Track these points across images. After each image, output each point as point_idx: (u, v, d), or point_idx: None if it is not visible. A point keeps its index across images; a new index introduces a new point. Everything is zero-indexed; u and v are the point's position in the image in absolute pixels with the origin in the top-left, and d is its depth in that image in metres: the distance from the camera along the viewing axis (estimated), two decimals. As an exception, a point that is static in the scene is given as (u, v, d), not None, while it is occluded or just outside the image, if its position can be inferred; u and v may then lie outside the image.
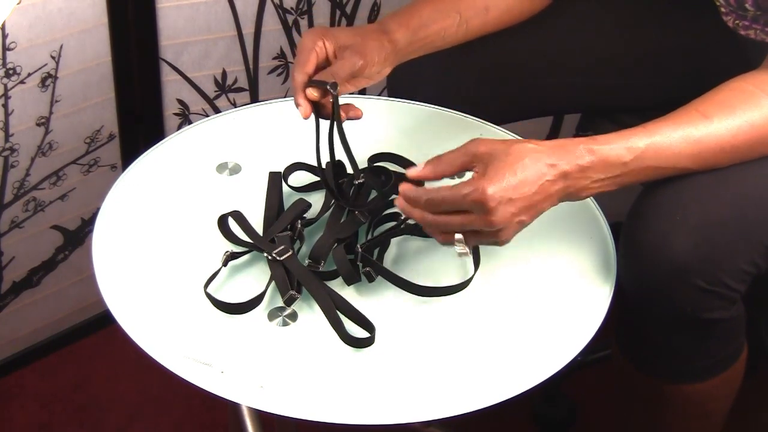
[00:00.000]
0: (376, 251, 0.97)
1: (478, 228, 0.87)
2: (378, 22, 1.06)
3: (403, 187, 0.89)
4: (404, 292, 0.94)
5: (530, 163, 0.86)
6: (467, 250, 0.89)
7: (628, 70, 1.21)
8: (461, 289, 0.94)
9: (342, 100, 0.99)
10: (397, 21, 1.05)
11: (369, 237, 0.97)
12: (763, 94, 0.90)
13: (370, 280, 0.93)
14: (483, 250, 0.97)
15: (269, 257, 0.93)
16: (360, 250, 0.93)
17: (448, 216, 0.87)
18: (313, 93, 0.96)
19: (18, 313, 1.46)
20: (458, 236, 0.88)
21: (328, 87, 0.96)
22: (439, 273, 0.96)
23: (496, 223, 0.85)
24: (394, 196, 1.01)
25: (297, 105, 0.97)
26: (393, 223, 1.00)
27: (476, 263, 0.96)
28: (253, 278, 0.94)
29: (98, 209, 1.01)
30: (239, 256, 0.96)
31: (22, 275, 1.43)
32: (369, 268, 0.93)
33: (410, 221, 0.97)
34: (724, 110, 0.90)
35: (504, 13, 1.12)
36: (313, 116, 0.98)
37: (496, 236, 0.87)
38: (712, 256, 0.90)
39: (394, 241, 0.99)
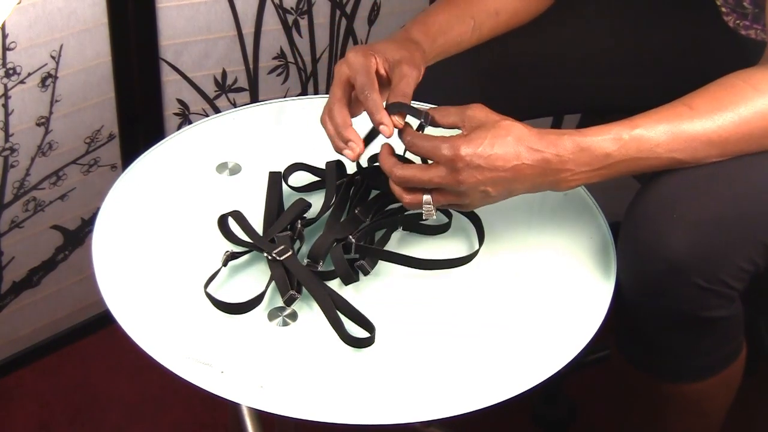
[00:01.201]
0: (376, 242, 0.97)
1: (444, 184, 0.89)
2: (404, 30, 1.05)
3: (384, 158, 0.92)
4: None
5: (512, 141, 0.88)
6: (434, 210, 0.91)
7: (629, 71, 1.21)
8: (465, 263, 0.95)
9: None
10: (420, 30, 1.05)
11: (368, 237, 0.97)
12: (750, 88, 0.90)
13: (365, 273, 0.93)
14: (483, 245, 0.97)
15: (269, 257, 0.93)
16: (353, 240, 0.94)
17: (419, 171, 0.89)
18: (399, 121, 0.93)
19: (18, 313, 1.46)
20: (426, 197, 0.90)
21: (422, 120, 0.93)
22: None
23: (461, 183, 0.88)
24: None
25: (380, 124, 0.93)
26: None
27: (480, 240, 0.97)
28: (253, 278, 0.94)
29: (98, 209, 1.01)
30: (239, 256, 0.96)
31: (22, 275, 1.43)
32: (363, 260, 0.93)
33: (408, 212, 0.98)
34: (712, 103, 0.90)
35: (512, 16, 1.13)
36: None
37: (460, 198, 0.90)
38: (710, 254, 0.90)
39: (392, 238, 0.99)
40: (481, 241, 0.98)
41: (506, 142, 0.88)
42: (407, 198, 0.91)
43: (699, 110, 0.90)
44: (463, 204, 0.91)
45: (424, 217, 0.92)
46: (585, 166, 0.89)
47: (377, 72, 0.96)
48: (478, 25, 1.09)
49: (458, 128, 0.92)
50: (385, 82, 0.98)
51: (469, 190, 0.89)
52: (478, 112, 0.91)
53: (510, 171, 0.88)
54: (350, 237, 0.94)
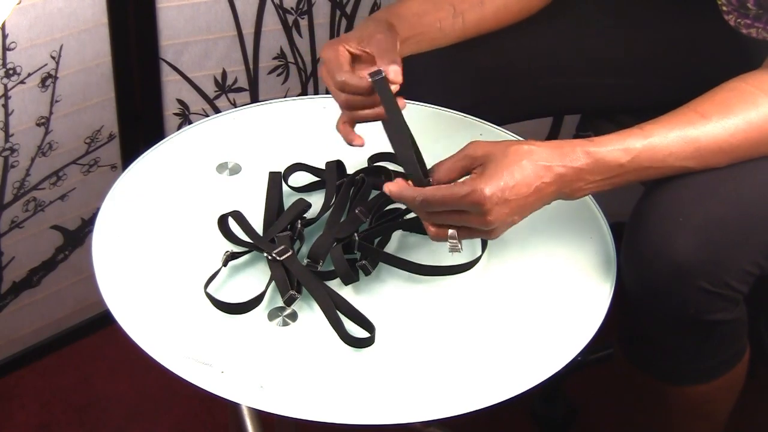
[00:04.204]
0: (375, 243, 0.97)
1: (474, 226, 0.88)
2: (369, 18, 1.05)
3: (392, 187, 0.89)
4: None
5: (527, 164, 0.87)
6: (459, 246, 0.89)
7: (628, 71, 1.20)
8: (467, 269, 0.95)
9: None
10: (389, 13, 1.04)
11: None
12: (761, 93, 0.90)
13: (367, 273, 0.93)
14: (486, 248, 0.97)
15: (269, 257, 0.93)
16: (357, 238, 0.94)
17: (444, 214, 0.88)
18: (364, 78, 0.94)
19: (18, 313, 1.46)
20: (451, 232, 0.89)
21: (369, 76, 0.92)
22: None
23: (491, 224, 0.87)
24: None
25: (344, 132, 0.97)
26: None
27: (483, 245, 0.97)
28: (253, 278, 0.94)
29: (98, 209, 1.01)
30: (239, 256, 0.96)
31: (22, 275, 1.43)
32: (366, 260, 0.93)
33: (409, 216, 0.98)
34: (722, 109, 0.90)
35: (501, 7, 1.12)
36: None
37: (488, 234, 0.89)
38: (715, 257, 0.90)
39: (393, 237, 0.99)
40: (484, 247, 0.97)
41: (523, 167, 0.87)
42: (433, 230, 0.90)
43: (710, 118, 0.90)
44: (492, 237, 0.90)
45: (449, 251, 0.91)
46: (598, 176, 0.89)
47: (353, 54, 0.98)
48: (460, 12, 1.08)
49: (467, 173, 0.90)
50: (367, 59, 0.98)
51: (498, 226, 0.88)
52: (480, 149, 0.89)
53: (533, 194, 0.87)
54: (354, 235, 0.94)
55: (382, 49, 0.96)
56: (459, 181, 0.88)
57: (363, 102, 0.95)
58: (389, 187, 0.89)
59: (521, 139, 1.11)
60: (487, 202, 0.85)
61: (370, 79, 0.92)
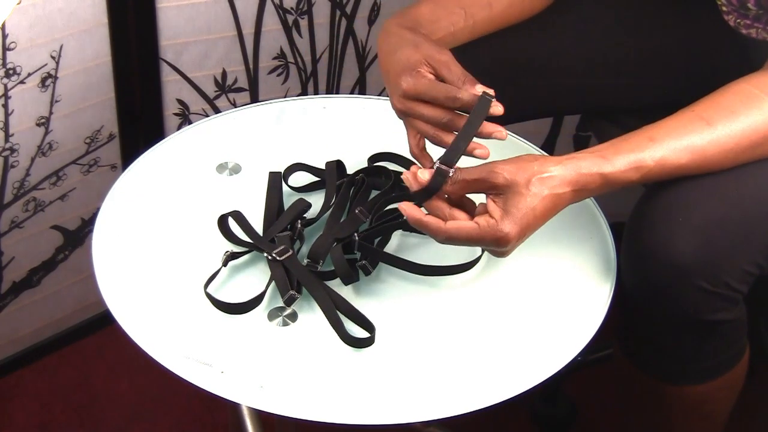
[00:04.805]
0: (375, 243, 0.97)
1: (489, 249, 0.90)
2: (395, 27, 1.02)
3: (410, 212, 0.87)
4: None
5: (547, 195, 0.87)
6: None
7: (628, 71, 1.20)
8: (467, 269, 0.95)
9: None
10: (404, 19, 1.03)
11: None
12: (765, 96, 0.91)
13: (367, 273, 0.93)
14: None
15: (269, 257, 0.93)
16: (357, 238, 0.94)
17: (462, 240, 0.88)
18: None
19: (18, 313, 1.46)
20: None
21: (483, 93, 0.90)
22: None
23: (508, 253, 0.89)
24: (393, 195, 1.02)
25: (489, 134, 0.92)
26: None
27: None
28: (253, 278, 0.94)
29: (98, 209, 1.01)
30: (239, 256, 0.96)
31: (22, 275, 1.43)
32: (365, 260, 0.93)
33: None
34: (727, 115, 0.90)
35: (507, 7, 1.12)
36: None
37: (502, 255, 0.90)
38: (714, 257, 0.90)
39: (393, 237, 0.99)
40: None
41: (544, 200, 0.87)
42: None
43: (716, 126, 0.90)
44: (504, 257, 0.91)
45: None
46: (606, 190, 0.90)
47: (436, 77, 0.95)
48: (471, 15, 1.08)
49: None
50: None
51: (513, 250, 0.89)
52: (500, 175, 0.87)
53: (548, 217, 0.89)
54: (354, 235, 0.94)
55: (457, 76, 0.94)
56: (479, 219, 0.87)
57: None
58: (407, 211, 0.87)
59: (525, 141, 1.12)
60: (510, 242, 0.86)
61: (480, 93, 0.90)
